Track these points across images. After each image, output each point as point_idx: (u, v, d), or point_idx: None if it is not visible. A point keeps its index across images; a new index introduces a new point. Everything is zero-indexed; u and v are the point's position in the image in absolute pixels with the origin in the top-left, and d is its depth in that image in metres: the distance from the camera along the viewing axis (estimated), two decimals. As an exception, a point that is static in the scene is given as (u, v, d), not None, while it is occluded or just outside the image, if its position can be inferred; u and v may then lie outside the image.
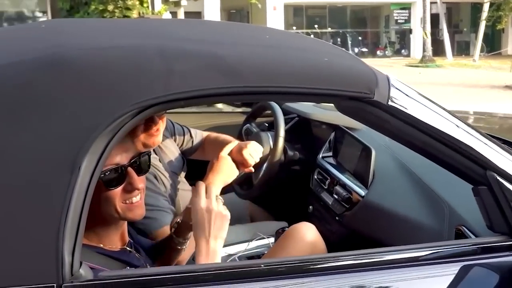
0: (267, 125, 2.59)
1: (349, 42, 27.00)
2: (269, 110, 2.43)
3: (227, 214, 1.54)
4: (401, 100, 1.37)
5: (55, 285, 1.08)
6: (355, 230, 2.02)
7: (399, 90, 1.40)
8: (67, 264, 1.09)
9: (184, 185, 2.18)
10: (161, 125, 1.93)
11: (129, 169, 1.42)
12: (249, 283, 1.19)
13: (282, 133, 2.30)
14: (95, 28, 1.51)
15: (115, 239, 1.49)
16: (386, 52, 27.22)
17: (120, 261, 1.44)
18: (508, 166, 1.40)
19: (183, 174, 2.22)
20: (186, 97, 1.21)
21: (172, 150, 2.17)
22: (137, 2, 13.90)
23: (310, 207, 2.38)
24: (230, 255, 2.16)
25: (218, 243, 1.49)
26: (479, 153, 1.39)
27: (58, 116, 1.14)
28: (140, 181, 1.44)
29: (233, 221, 2.44)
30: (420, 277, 1.32)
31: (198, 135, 2.36)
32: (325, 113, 2.63)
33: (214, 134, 2.36)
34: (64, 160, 1.11)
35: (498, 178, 1.38)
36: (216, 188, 1.78)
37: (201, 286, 1.17)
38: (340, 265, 1.29)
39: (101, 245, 1.45)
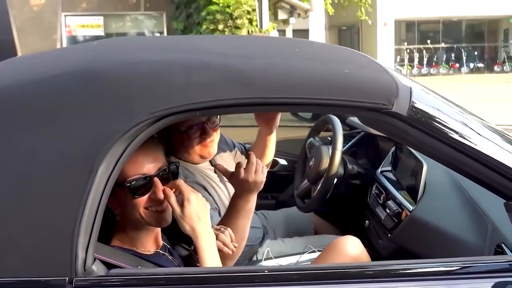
0: (330, 139, 2.59)
1: (464, 58, 25.90)
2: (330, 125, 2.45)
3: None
4: (423, 112, 1.35)
5: (67, 279, 1.17)
6: (402, 246, 1.97)
7: (423, 101, 1.38)
8: (80, 259, 1.18)
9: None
10: (215, 136, 2.00)
11: (155, 179, 1.49)
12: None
13: (339, 146, 2.30)
14: (137, 45, 1.62)
15: (148, 243, 1.57)
16: (504, 67, 25.78)
17: (152, 263, 1.52)
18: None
19: None
20: (203, 107, 1.27)
21: (228, 163, 2.23)
22: (247, 21, 14.21)
23: (367, 221, 2.35)
24: (281, 266, 2.19)
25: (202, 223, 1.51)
26: (510, 167, 1.33)
27: (82, 122, 1.25)
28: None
29: (296, 233, 2.50)
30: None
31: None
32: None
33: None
34: (83, 163, 1.21)
35: (531, 194, 1.32)
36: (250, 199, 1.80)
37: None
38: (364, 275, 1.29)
39: (134, 248, 1.53)
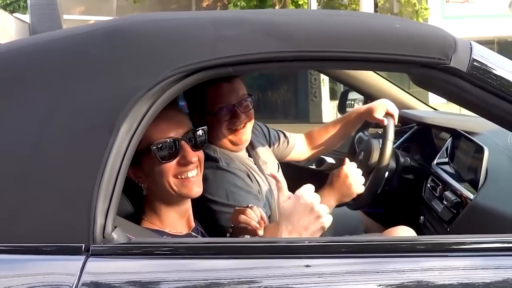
0: (380, 133, 2.43)
1: (522, 79, 25.11)
2: None
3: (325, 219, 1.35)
4: (486, 68, 1.20)
5: (83, 245, 1.06)
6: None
7: (485, 57, 1.22)
8: (98, 225, 1.07)
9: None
10: (248, 122, 1.90)
11: (183, 142, 1.40)
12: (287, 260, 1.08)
13: (390, 137, 2.13)
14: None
15: (180, 224, 1.47)
16: None
17: None
18: None
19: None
20: (234, 61, 1.17)
21: (266, 155, 2.12)
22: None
23: (421, 217, 2.16)
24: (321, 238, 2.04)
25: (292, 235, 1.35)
26: None
27: (103, 79, 1.16)
28: (194, 155, 1.41)
29: (345, 234, 2.33)
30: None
31: (292, 136, 2.33)
32: (443, 117, 2.43)
33: (318, 127, 2.37)
34: (104, 121, 1.11)
35: None
36: (330, 202, 1.79)
37: (232, 259, 1.09)
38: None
39: (167, 230, 1.43)
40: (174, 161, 1.38)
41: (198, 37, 1.18)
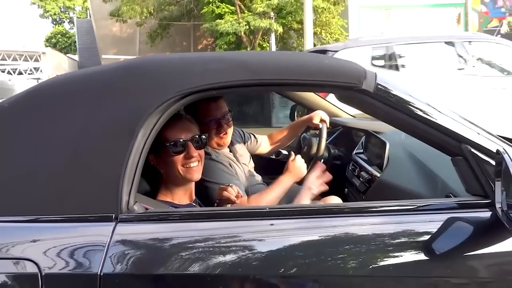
0: (317, 133, 2.43)
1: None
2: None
3: None
4: (386, 89, 1.20)
5: (113, 215, 1.03)
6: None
7: (385, 82, 1.22)
8: (124, 201, 1.04)
9: (253, 174, 2.08)
10: (229, 131, 1.88)
11: (188, 143, 1.40)
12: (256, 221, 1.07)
13: (324, 135, 2.14)
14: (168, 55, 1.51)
15: (184, 196, 1.46)
16: None
17: None
18: (479, 139, 1.15)
19: (251, 166, 2.12)
20: (217, 87, 1.14)
21: (242, 150, 2.11)
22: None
23: (346, 189, 2.18)
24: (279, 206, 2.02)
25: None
26: (452, 129, 1.17)
27: (126, 99, 1.13)
28: (195, 152, 1.41)
29: (293, 201, 2.32)
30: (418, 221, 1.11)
31: (260, 137, 2.32)
32: (359, 122, 2.44)
33: (276, 131, 2.36)
34: (127, 129, 1.08)
35: (471, 149, 1.14)
36: (289, 182, 1.87)
37: (220, 221, 1.08)
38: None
39: (176, 202, 1.42)
40: (182, 155, 1.39)
41: (190, 70, 1.16)
